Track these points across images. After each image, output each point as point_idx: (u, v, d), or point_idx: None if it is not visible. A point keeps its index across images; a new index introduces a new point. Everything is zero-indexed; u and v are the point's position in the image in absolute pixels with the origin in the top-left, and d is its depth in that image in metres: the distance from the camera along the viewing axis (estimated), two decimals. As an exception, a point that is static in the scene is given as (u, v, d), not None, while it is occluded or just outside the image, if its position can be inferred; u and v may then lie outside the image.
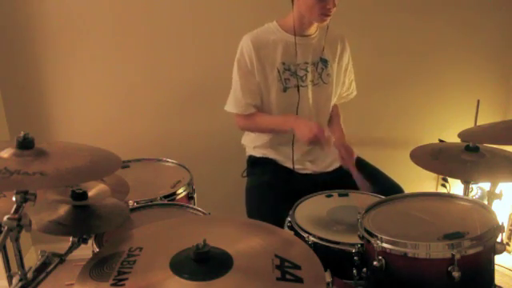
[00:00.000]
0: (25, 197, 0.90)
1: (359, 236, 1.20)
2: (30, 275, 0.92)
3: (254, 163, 1.84)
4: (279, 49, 1.69)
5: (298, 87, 1.71)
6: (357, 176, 1.59)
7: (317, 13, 1.61)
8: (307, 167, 1.77)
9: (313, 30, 1.73)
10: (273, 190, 1.67)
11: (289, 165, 1.77)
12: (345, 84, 1.88)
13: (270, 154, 1.81)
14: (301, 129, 1.60)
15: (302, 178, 1.76)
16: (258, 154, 1.84)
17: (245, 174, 1.86)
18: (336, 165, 1.78)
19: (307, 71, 1.73)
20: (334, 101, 1.86)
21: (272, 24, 1.74)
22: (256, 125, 1.78)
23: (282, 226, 1.39)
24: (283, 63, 1.70)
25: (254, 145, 1.86)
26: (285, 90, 1.71)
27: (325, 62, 1.76)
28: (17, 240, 0.92)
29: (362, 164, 1.76)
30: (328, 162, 1.79)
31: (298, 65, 1.71)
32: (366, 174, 1.67)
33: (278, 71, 1.69)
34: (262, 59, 1.68)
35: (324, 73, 1.76)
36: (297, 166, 1.76)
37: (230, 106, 1.76)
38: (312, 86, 1.74)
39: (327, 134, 1.62)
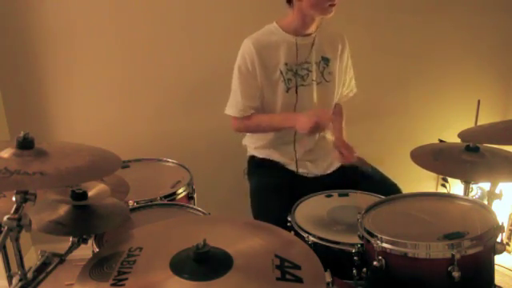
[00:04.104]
0: (25, 197, 0.90)
1: (359, 236, 1.20)
2: (29, 275, 0.92)
3: (257, 164, 1.84)
4: (281, 50, 1.69)
5: (300, 87, 1.71)
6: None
7: (324, 6, 1.59)
8: (309, 169, 1.77)
9: (313, 28, 1.73)
10: (278, 193, 1.66)
11: (291, 167, 1.77)
12: (345, 82, 1.88)
13: (272, 154, 1.80)
14: (300, 122, 1.60)
15: (305, 180, 1.76)
16: (259, 154, 1.84)
17: (246, 172, 1.86)
18: (336, 165, 1.78)
19: (309, 70, 1.72)
20: (336, 99, 1.85)
21: (272, 25, 1.74)
22: (254, 124, 1.76)
23: (289, 229, 1.39)
24: (286, 64, 1.69)
25: (255, 145, 1.85)
26: (287, 90, 1.71)
27: (326, 60, 1.76)
28: (17, 240, 0.92)
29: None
30: (328, 162, 1.79)
31: (300, 64, 1.71)
32: (363, 172, 1.68)
33: (281, 72, 1.69)
34: (265, 61, 1.68)
35: (326, 71, 1.76)
36: (299, 169, 1.76)
37: (231, 110, 1.75)
38: (316, 85, 1.74)
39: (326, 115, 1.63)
